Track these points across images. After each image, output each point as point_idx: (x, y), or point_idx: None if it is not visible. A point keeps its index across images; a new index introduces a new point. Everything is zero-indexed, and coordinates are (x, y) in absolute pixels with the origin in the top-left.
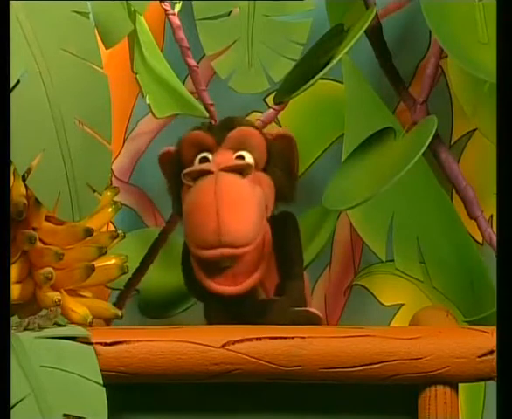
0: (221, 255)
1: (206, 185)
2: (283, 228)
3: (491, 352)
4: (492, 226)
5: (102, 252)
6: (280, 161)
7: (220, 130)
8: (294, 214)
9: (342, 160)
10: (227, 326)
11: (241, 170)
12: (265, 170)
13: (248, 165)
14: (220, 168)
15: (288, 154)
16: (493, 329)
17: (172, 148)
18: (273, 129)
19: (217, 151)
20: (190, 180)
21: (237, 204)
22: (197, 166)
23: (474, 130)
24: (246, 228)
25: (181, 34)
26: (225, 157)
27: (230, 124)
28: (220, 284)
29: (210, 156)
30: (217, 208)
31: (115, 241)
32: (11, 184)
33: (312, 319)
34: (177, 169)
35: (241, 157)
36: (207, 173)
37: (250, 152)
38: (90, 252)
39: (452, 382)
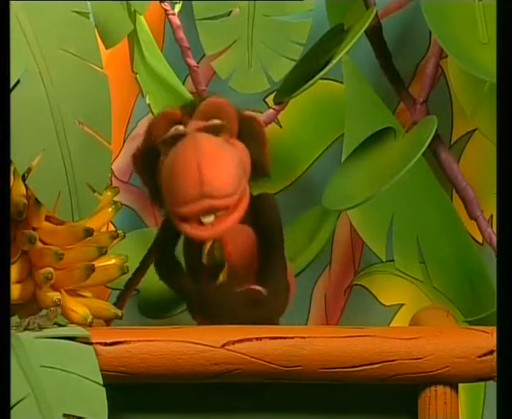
0: (203, 206)
1: (184, 145)
2: (262, 209)
3: (491, 352)
4: (492, 226)
5: (102, 252)
6: (251, 134)
7: (191, 105)
8: (272, 195)
9: (342, 160)
10: (227, 326)
11: (215, 130)
12: (238, 138)
13: (221, 124)
14: (195, 129)
15: (259, 132)
16: (493, 329)
17: (140, 143)
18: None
19: (190, 122)
20: (166, 148)
21: (216, 157)
22: (171, 131)
23: (474, 130)
24: (227, 178)
25: (181, 34)
26: (197, 124)
27: (200, 99)
28: (197, 230)
29: (182, 127)
30: (198, 162)
31: (115, 241)
32: (11, 184)
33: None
34: (150, 156)
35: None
36: (182, 136)
37: (222, 119)
38: (90, 252)
39: (452, 382)
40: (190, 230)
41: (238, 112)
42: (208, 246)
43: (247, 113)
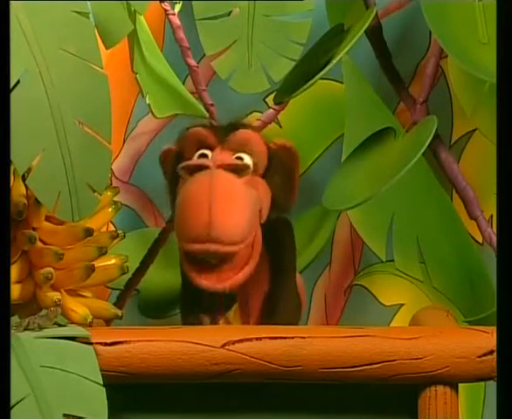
0: (208, 250)
1: (201, 179)
2: (278, 233)
3: (491, 352)
4: (492, 226)
5: (102, 252)
6: (280, 170)
7: (223, 130)
8: (289, 220)
9: (342, 160)
10: (227, 326)
11: (238, 170)
12: (263, 177)
13: (246, 165)
14: (217, 164)
15: (289, 165)
16: (493, 329)
17: (173, 146)
18: (277, 139)
19: (217, 150)
20: (186, 174)
21: (230, 202)
22: (194, 160)
23: (474, 130)
24: (236, 226)
25: (181, 34)
26: (224, 156)
27: (234, 126)
28: (205, 279)
29: (209, 154)
30: (210, 202)
31: (115, 241)
32: (11, 184)
33: None
34: (177, 166)
35: (240, 159)
36: (204, 168)
37: (250, 155)
38: (90, 252)
39: (452, 382)
40: (200, 279)
41: (267, 145)
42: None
43: (278, 142)
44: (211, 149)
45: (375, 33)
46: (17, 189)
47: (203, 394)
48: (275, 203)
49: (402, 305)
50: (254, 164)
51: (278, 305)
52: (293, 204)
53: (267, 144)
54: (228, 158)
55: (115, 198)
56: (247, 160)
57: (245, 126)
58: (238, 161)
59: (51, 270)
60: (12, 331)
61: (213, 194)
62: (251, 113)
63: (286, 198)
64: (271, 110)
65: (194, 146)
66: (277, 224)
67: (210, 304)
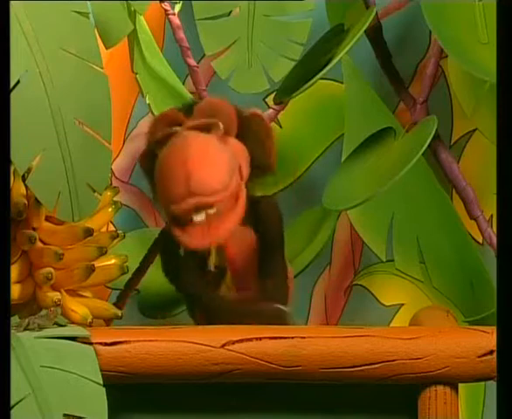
0: (191, 205)
1: (173, 142)
2: (264, 212)
3: (491, 352)
4: (492, 226)
5: (102, 252)
6: (252, 133)
7: (189, 107)
8: (274, 198)
9: (342, 160)
10: (227, 326)
11: (208, 128)
12: (237, 137)
13: (213, 122)
14: (187, 127)
15: (262, 130)
16: (493, 329)
17: (143, 144)
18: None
19: (186, 121)
20: (160, 148)
21: (204, 154)
22: (165, 130)
23: (474, 130)
24: (215, 175)
25: (181, 34)
26: (190, 123)
27: (198, 101)
28: (195, 238)
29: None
30: (185, 159)
31: (115, 241)
32: (11, 184)
33: (278, 315)
34: (150, 157)
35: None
36: (174, 135)
37: (218, 118)
38: (90, 252)
39: (452, 382)
40: (188, 238)
41: (238, 110)
42: (212, 254)
43: (249, 110)
44: (182, 125)
45: (375, 33)
46: (17, 189)
47: (203, 394)
48: (254, 161)
49: (402, 305)
50: (225, 126)
51: (267, 281)
52: (273, 167)
53: (236, 108)
54: (194, 121)
55: (115, 198)
56: (211, 120)
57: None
58: (207, 120)
59: (51, 270)
60: (12, 331)
61: (187, 151)
62: None
63: (264, 158)
64: (271, 110)
65: (164, 127)
66: (263, 203)
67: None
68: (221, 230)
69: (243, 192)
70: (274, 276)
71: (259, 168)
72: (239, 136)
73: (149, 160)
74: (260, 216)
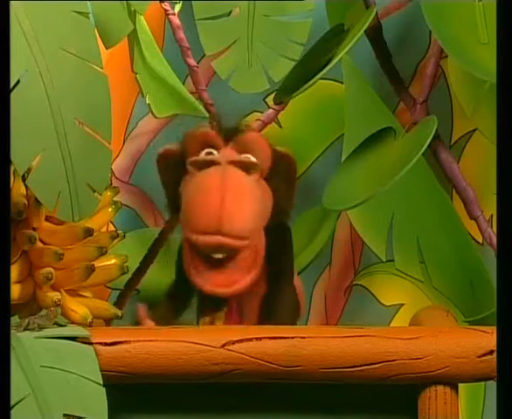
0: (218, 243)
1: (213, 173)
2: (276, 238)
3: (491, 352)
4: (492, 226)
5: (102, 252)
6: (281, 175)
7: (228, 131)
8: (288, 225)
9: (342, 160)
10: (227, 326)
11: (248, 167)
12: (265, 179)
13: (255, 164)
14: (228, 160)
15: (290, 171)
16: (493, 329)
17: (173, 146)
18: (279, 146)
19: (224, 149)
20: (195, 169)
21: (241, 196)
22: (204, 156)
23: (474, 130)
24: (246, 221)
25: (181, 34)
26: (232, 154)
27: (238, 128)
28: (211, 284)
29: (215, 153)
30: (222, 195)
31: (115, 241)
32: (11, 184)
33: None
34: (178, 166)
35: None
36: (214, 164)
37: (255, 157)
38: (90, 252)
39: (452, 382)
40: (205, 284)
41: (272, 148)
42: None
43: (281, 149)
44: (217, 149)
45: (375, 33)
46: (17, 189)
47: (203, 394)
48: (276, 207)
49: (402, 305)
50: (261, 166)
51: (275, 308)
52: (291, 210)
53: (272, 147)
54: (237, 156)
55: (115, 198)
56: (253, 160)
57: (248, 127)
58: (248, 159)
59: (51, 270)
60: (12, 331)
61: (225, 187)
62: (251, 113)
63: (286, 203)
64: (271, 110)
65: (199, 145)
66: (276, 229)
67: (201, 303)
68: (243, 282)
69: (262, 243)
70: (283, 301)
71: (278, 215)
72: (268, 178)
73: (174, 167)
74: (272, 243)
